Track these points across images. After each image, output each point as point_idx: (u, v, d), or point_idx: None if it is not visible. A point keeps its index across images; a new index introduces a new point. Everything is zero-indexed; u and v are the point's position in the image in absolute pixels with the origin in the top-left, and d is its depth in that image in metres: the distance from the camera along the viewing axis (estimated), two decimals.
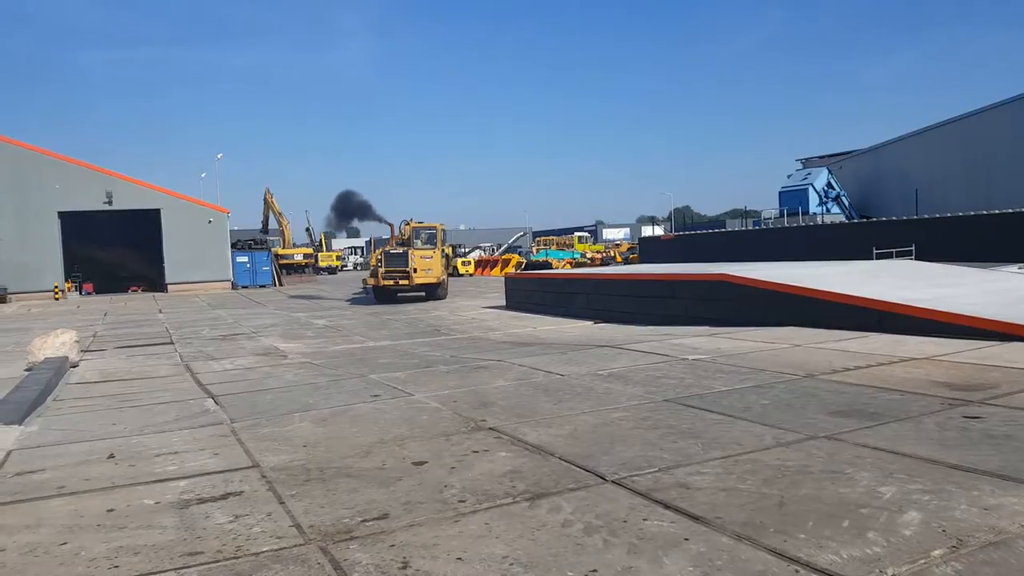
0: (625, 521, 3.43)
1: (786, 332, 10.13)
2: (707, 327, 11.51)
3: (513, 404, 6.26)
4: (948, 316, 8.58)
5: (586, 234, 62.14)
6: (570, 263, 41.80)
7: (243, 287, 37.76)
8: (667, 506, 3.60)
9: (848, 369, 7.08)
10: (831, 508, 3.44)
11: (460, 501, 3.82)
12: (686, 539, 3.19)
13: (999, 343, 7.78)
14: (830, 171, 35.99)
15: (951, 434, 4.59)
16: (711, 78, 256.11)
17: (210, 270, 37.23)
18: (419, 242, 24.78)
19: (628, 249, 47.57)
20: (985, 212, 21.16)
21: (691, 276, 13.23)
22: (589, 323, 14.44)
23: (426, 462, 4.61)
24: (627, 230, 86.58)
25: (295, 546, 3.33)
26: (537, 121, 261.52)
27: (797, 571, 2.81)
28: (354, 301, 25.47)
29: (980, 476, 3.75)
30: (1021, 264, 14.46)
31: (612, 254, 46.17)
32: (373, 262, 24.87)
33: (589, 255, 46.54)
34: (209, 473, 4.60)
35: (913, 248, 18.52)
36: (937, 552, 2.90)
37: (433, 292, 24.03)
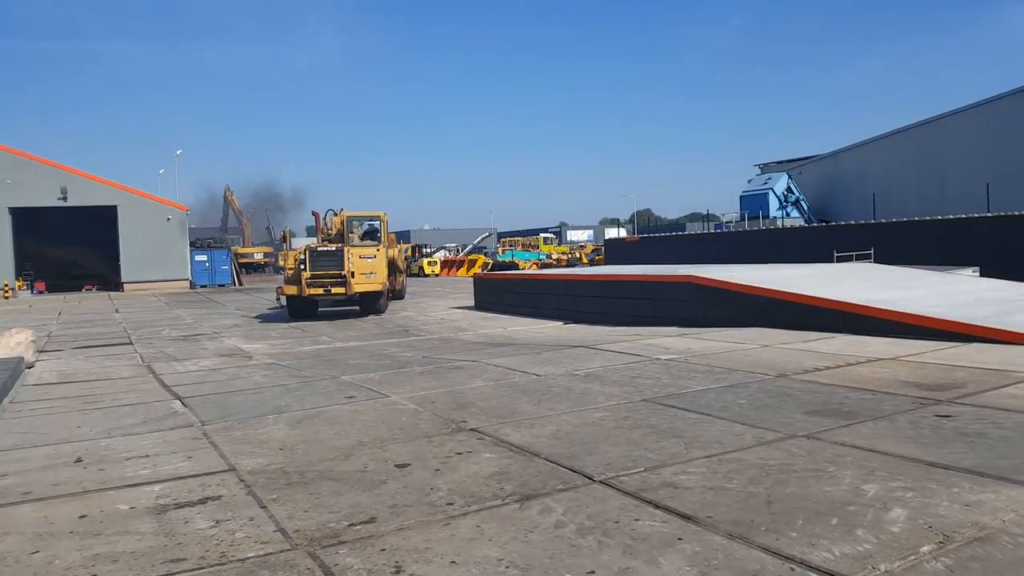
0: (617, 522, 3.42)
1: (753, 332, 10.28)
2: (675, 327, 11.63)
3: (492, 405, 6.23)
4: (912, 318, 8.80)
5: (551, 235, 62.40)
6: (536, 264, 41.90)
7: (202, 287, 36.98)
8: (657, 506, 3.61)
9: (819, 369, 7.21)
10: (818, 506, 3.49)
11: (448, 504, 3.78)
12: (680, 539, 3.19)
13: (961, 344, 8.00)
14: (790, 176, 36.80)
15: (925, 432, 4.69)
16: (671, 84, 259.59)
17: (168, 269, 36.37)
18: (355, 237, 18.63)
19: (593, 250, 47.93)
20: (940, 217, 21.81)
21: (659, 277, 13.36)
22: (559, 323, 14.48)
23: (409, 464, 4.55)
24: (591, 232, 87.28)
25: (282, 551, 3.25)
26: (500, 122, 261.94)
27: (793, 569, 2.84)
28: (264, 318, 18.88)
29: (958, 473, 3.84)
30: (975, 268, 14.94)
31: (578, 255, 46.47)
32: (290, 264, 17.84)
33: (555, 256, 46.73)
34: (184, 477, 4.47)
35: (872, 251, 19.02)
36: (926, 548, 2.95)
37: (373, 304, 18.00)
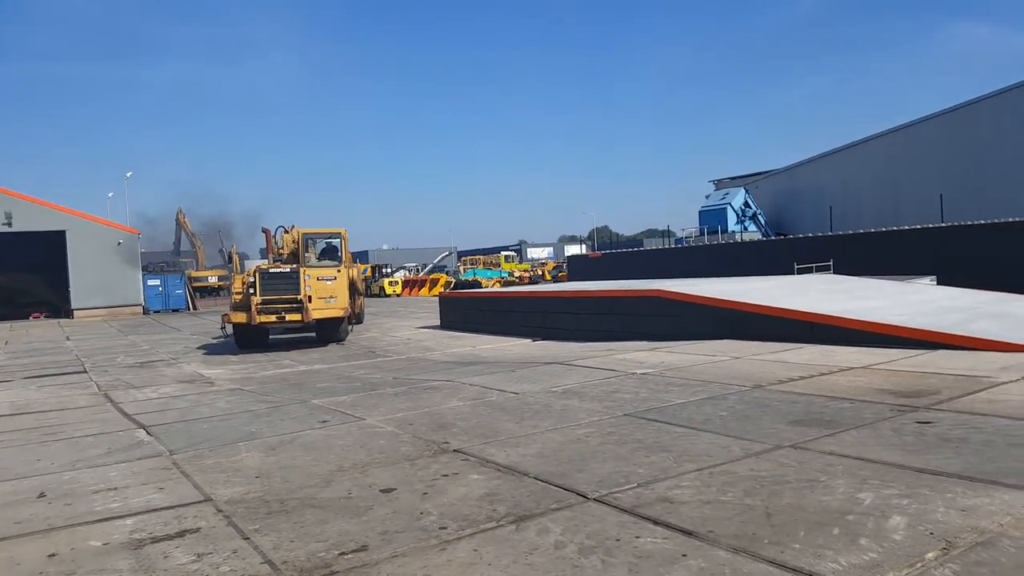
0: (618, 540, 3.35)
1: (723, 345, 10.36)
2: (646, 342, 11.66)
3: (473, 425, 6.11)
4: (879, 327, 8.97)
5: (512, 253, 62.52)
6: (499, 282, 41.90)
7: (155, 312, 35.98)
8: (656, 522, 3.55)
9: (793, 379, 7.27)
10: (817, 516, 3.47)
11: (441, 528, 3.66)
12: (684, 555, 3.13)
13: (928, 351, 8.17)
14: (747, 191, 37.60)
15: (909, 439, 4.73)
16: (626, 103, 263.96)
17: (120, 294, 35.27)
18: (312, 255, 16.47)
19: (554, 267, 48.15)
20: (895, 228, 22.45)
21: (628, 292, 13.41)
22: (527, 341, 14.40)
23: (395, 489, 4.41)
24: (550, 249, 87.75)
25: None
26: (456, 141, 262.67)
27: None
28: (222, 343, 17.20)
29: (948, 479, 3.87)
30: (932, 276, 15.36)
31: (540, 272, 46.62)
32: (237, 287, 16.09)
33: (517, 274, 46.84)
34: (158, 509, 4.26)
35: (831, 263, 19.46)
36: (931, 555, 2.94)
37: (333, 331, 16.04)
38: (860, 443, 4.72)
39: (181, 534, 3.79)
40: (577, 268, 36.39)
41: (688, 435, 5.28)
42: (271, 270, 15.68)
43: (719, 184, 47.35)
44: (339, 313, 15.71)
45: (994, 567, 2.80)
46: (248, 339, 15.95)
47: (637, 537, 3.37)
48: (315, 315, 15.29)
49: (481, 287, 35.92)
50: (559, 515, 3.74)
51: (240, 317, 15.23)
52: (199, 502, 4.38)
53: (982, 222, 19.42)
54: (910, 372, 7.09)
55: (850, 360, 8.08)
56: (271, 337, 16.86)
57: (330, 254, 16.91)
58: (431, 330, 18.62)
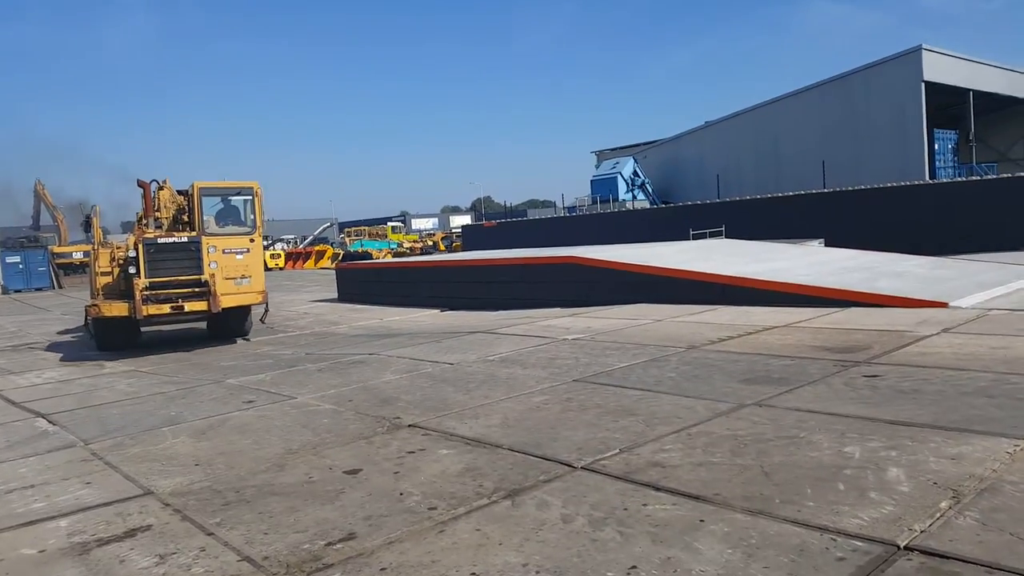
0: (626, 509, 3.21)
1: (640, 309, 10.50)
2: (560, 308, 11.67)
3: (419, 398, 5.81)
4: (792, 287, 9.33)
5: (399, 224, 61.27)
6: (389, 253, 40.95)
7: (16, 291, 32.70)
8: (657, 488, 3.44)
9: (723, 339, 7.42)
10: (816, 472, 3.47)
11: (431, 509, 3.39)
12: (702, 520, 3.03)
13: (841, 309, 8.57)
14: (636, 160, 38.52)
15: (865, 393, 4.88)
16: (505, 72, 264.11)
17: None
18: (212, 220, 11.87)
19: (444, 237, 47.59)
20: (782, 194, 23.65)
21: (540, 260, 13.34)
22: (435, 311, 14.10)
23: (360, 469, 4.08)
24: (435, 219, 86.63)
25: None
26: (332, 109, 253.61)
27: (834, 539, 2.76)
28: (65, 356, 11.51)
29: (923, 429, 3.98)
30: (820, 239, 16.31)
31: (432, 243, 45.96)
32: (104, 265, 12.02)
33: (407, 245, 45.94)
34: (93, 507, 3.74)
35: (723, 228, 20.27)
36: (944, 504, 2.98)
37: (240, 324, 12.37)
38: (820, 398, 4.82)
39: (131, 533, 3.32)
40: (472, 238, 36.12)
41: (647, 398, 5.23)
42: (160, 240, 11.20)
43: (601, 155, 48.11)
44: (257, 299, 11.81)
45: (1011, 512, 2.86)
46: (114, 338, 11.68)
47: (645, 505, 3.24)
48: (226, 303, 11.17)
49: (372, 258, 34.96)
50: (552, 487, 3.56)
51: (117, 309, 10.80)
52: (139, 496, 3.87)
53: (863, 187, 20.76)
54: (833, 329, 7.41)
55: (770, 320, 8.35)
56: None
57: (232, 217, 12.29)
58: (329, 303, 17.88)
